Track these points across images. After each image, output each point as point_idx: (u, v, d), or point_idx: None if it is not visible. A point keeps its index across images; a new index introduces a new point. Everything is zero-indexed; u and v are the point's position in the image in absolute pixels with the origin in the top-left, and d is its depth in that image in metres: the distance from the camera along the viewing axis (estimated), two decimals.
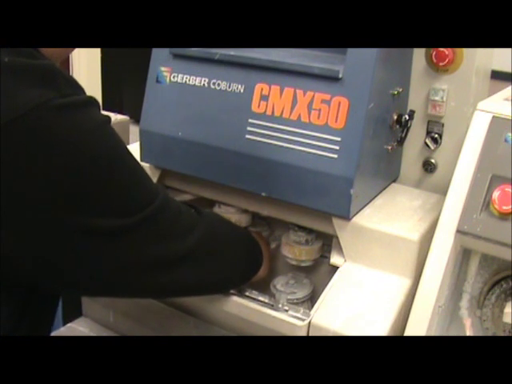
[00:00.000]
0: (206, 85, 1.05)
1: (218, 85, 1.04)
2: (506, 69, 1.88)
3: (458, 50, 1.05)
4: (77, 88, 0.75)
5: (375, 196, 1.08)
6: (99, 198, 0.73)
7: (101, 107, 0.77)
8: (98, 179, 0.72)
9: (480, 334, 0.95)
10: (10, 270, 0.73)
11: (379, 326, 0.91)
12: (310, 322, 0.93)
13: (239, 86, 1.02)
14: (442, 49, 1.04)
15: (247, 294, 1.02)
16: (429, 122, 1.10)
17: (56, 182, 0.69)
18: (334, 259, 1.03)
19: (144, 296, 0.99)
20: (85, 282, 0.79)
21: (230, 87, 1.03)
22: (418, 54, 1.08)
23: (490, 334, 0.95)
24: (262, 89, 1.00)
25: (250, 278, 1.05)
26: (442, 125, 1.10)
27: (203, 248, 0.89)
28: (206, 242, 0.89)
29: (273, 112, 0.99)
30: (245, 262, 1.03)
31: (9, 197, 0.68)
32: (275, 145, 0.99)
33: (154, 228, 0.80)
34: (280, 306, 0.98)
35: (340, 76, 0.95)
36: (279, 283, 1.14)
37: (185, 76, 1.07)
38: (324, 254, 1.15)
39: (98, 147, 0.73)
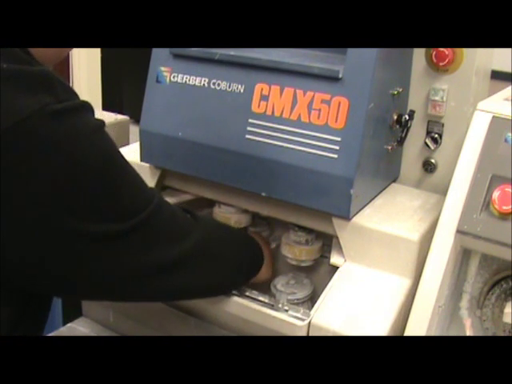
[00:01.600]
0: (206, 85, 1.05)
1: (218, 85, 1.04)
2: (506, 69, 1.88)
3: (457, 50, 1.05)
4: (72, 93, 0.75)
5: (375, 196, 1.08)
6: (95, 203, 0.73)
7: (94, 112, 0.77)
8: (94, 184, 0.73)
9: (480, 333, 0.95)
10: (8, 274, 0.73)
11: (379, 325, 0.91)
12: (309, 322, 0.93)
13: (239, 86, 1.02)
14: (442, 49, 1.04)
15: (247, 293, 1.02)
16: (429, 121, 1.10)
17: (53, 187, 0.69)
18: (334, 259, 1.03)
19: (142, 300, 0.99)
20: (82, 287, 0.79)
21: (230, 87, 1.03)
22: (418, 54, 1.08)
23: (490, 333, 0.95)
24: (261, 89, 1.00)
25: (250, 280, 1.05)
26: (442, 125, 1.10)
27: (200, 252, 0.89)
28: (202, 245, 0.89)
29: (273, 112, 0.99)
30: (244, 264, 1.03)
31: (7, 202, 0.68)
32: (275, 145, 0.99)
33: (150, 232, 0.80)
34: (280, 306, 0.98)
35: (340, 76, 0.95)
36: (279, 283, 1.14)
37: (185, 76, 1.07)
38: (324, 254, 1.15)
39: (95, 152, 0.73)
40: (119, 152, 0.78)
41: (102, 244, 0.75)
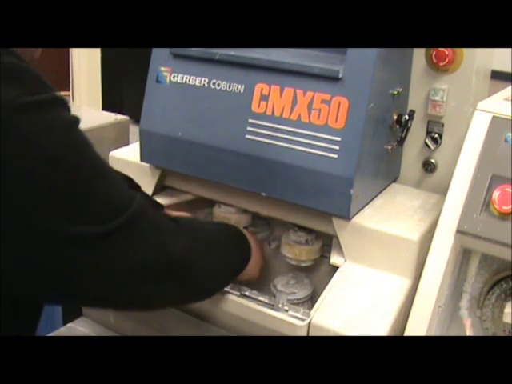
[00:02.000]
0: (206, 85, 1.05)
1: (218, 85, 1.04)
2: (506, 69, 1.88)
3: (457, 50, 1.05)
4: (45, 86, 0.70)
5: (375, 196, 1.08)
6: (65, 204, 0.68)
7: (70, 107, 0.72)
8: (63, 183, 0.68)
9: (480, 334, 0.95)
10: None
11: (379, 325, 0.91)
12: (310, 322, 0.93)
13: (239, 86, 1.02)
14: (442, 49, 1.04)
15: (247, 293, 1.02)
16: (429, 121, 1.10)
17: (22, 186, 0.66)
18: (334, 259, 1.03)
19: (128, 308, 0.94)
20: (64, 294, 0.75)
21: (230, 87, 1.03)
22: (418, 54, 1.08)
23: (489, 333, 0.95)
24: (261, 89, 1.00)
25: (239, 273, 1.02)
26: (442, 125, 1.10)
27: (186, 255, 0.85)
28: (188, 248, 0.85)
29: (273, 112, 0.99)
30: (231, 259, 1.01)
31: None
32: (275, 145, 0.99)
33: (131, 236, 0.75)
34: (280, 306, 0.98)
35: (340, 76, 0.95)
36: (279, 283, 1.14)
37: (185, 76, 1.07)
38: (324, 254, 1.15)
39: (64, 149, 0.68)
40: (94, 151, 0.73)
41: (77, 247, 0.70)
